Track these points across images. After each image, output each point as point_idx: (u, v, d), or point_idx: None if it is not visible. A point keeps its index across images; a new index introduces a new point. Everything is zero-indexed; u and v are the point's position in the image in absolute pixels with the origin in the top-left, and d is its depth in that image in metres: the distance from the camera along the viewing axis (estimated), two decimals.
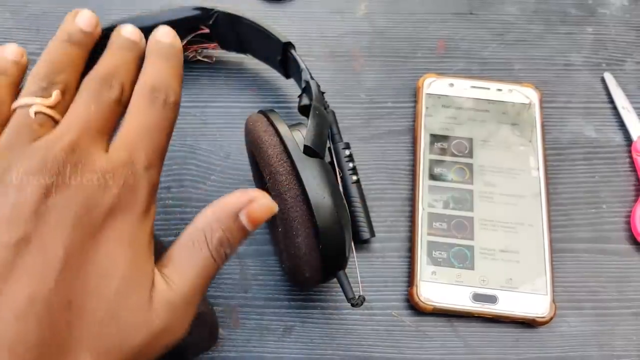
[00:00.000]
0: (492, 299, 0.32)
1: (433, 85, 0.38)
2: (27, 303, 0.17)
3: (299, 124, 0.28)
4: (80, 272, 0.18)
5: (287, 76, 0.36)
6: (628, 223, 0.35)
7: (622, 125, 0.38)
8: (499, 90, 0.38)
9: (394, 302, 0.33)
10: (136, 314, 0.19)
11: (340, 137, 0.35)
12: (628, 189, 0.36)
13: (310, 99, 0.30)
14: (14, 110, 0.21)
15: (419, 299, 0.32)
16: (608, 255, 0.34)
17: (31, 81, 0.22)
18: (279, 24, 0.42)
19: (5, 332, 0.17)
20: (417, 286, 0.32)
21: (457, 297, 0.32)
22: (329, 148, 0.30)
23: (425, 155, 0.36)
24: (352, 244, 0.28)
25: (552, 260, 0.33)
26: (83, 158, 0.19)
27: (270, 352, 0.31)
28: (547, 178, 0.35)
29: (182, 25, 0.36)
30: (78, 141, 0.20)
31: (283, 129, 0.27)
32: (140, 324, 0.19)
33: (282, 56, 0.35)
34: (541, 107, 0.38)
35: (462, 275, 0.32)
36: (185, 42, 0.37)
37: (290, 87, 0.39)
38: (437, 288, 0.32)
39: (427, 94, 0.38)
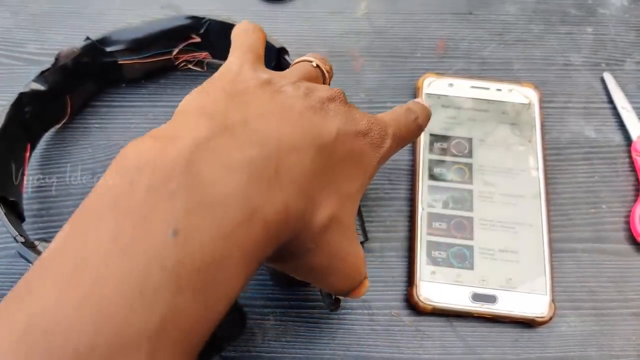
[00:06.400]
0: (491, 299, 0.32)
1: (433, 85, 0.38)
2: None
3: None
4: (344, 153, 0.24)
5: None
6: (627, 223, 0.35)
7: (621, 125, 0.38)
8: (499, 90, 0.38)
9: (394, 302, 0.33)
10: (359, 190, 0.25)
11: None
12: (628, 189, 0.36)
13: None
14: (299, 62, 0.28)
15: (419, 298, 0.32)
16: (607, 255, 0.34)
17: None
18: (279, 24, 0.42)
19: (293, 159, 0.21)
20: (416, 286, 0.32)
21: (457, 297, 0.32)
22: None
23: (424, 155, 0.36)
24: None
25: (551, 260, 0.33)
26: (349, 104, 0.25)
27: (269, 352, 0.31)
28: (546, 178, 0.35)
29: (173, 35, 0.36)
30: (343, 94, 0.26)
31: None
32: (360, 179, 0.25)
33: (276, 61, 0.35)
34: (541, 107, 0.38)
35: (462, 275, 0.32)
36: (176, 51, 0.37)
37: None
38: (436, 288, 0.32)
39: (427, 93, 0.38)
